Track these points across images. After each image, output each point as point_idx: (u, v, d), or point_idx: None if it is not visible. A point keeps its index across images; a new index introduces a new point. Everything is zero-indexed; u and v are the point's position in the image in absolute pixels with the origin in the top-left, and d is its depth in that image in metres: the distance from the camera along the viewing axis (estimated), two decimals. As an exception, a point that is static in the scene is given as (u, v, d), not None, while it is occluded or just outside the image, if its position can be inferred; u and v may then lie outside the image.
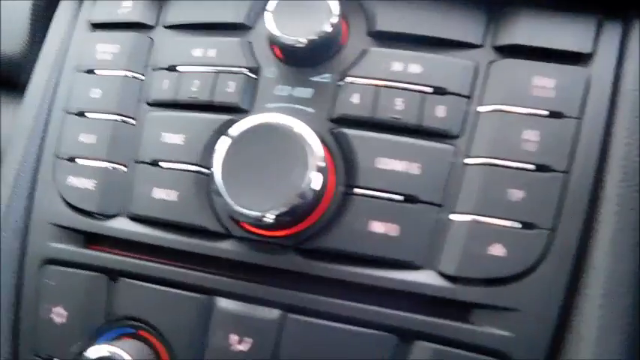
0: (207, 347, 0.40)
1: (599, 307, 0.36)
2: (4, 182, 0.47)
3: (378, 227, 0.38)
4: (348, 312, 0.38)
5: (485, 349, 0.36)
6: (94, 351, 0.39)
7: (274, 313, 0.39)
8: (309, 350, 0.39)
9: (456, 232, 0.38)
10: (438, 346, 0.37)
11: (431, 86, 0.40)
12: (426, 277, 0.38)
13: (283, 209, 0.37)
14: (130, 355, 0.39)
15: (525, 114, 0.38)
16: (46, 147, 0.47)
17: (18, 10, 0.57)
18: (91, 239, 0.45)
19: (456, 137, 0.39)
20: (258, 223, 0.38)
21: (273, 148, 0.38)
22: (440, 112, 0.40)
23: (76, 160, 0.45)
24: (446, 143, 0.39)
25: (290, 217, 0.38)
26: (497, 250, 0.37)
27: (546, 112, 0.38)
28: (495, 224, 0.37)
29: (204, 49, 0.44)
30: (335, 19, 0.40)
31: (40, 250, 0.45)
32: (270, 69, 0.43)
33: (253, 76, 0.43)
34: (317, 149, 0.38)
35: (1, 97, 0.63)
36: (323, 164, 0.38)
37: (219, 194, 0.38)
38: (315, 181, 0.37)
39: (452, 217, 0.38)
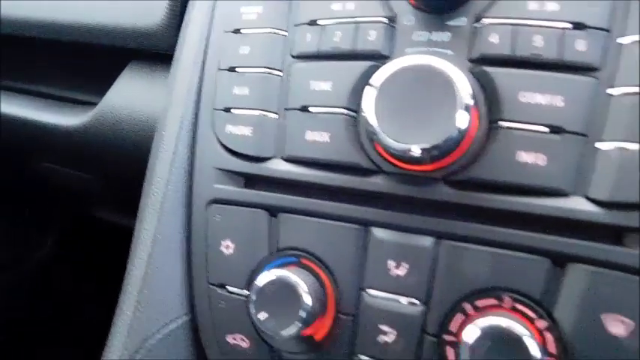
0: (366, 272, 0.40)
1: None
2: (168, 136, 0.48)
3: (525, 157, 0.37)
4: (500, 237, 0.37)
5: (644, 271, 0.34)
6: (264, 277, 0.40)
7: (428, 240, 0.39)
8: (464, 274, 0.38)
9: (603, 159, 0.35)
10: (594, 268, 0.35)
11: (569, 22, 0.37)
12: (576, 203, 0.36)
13: (436, 143, 0.36)
14: (301, 279, 0.39)
15: (670, 44, 0.35)
16: (202, 101, 0.48)
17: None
18: (249, 180, 0.45)
19: (597, 70, 0.37)
20: (409, 156, 0.37)
21: (421, 88, 0.37)
22: (580, 46, 0.37)
23: (232, 110, 0.45)
24: (588, 76, 0.37)
25: (440, 151, 0.37)
26: (649, 174, 0.34)
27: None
28: (645, 150, 0.34)
29: (342, 2, 0.43)
30: None
31: (205, 192, 0.46)
32: (407, 17, 0.41)
33: (392, 24, 0.42)
34: (464, 87, 0.36)
35: (142, 68, 0.64)
36: (471, 101, 0.36)
37: (372, 131, 0.38)
38: (463, 117, 0.36)
39: (598, 145, 0.36)
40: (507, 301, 0.36)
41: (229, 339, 0.44)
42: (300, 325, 0.39)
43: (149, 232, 0.47)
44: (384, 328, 0.39)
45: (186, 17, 0.53)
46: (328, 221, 0.41)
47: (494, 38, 0.39)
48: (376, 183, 0.40)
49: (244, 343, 0.44)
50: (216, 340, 0.45)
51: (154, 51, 0.60)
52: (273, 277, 0.40)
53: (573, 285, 0.35)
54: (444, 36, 0.40)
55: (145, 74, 0.64)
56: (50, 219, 1.05)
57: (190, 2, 0.53)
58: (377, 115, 0.38)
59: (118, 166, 0.66)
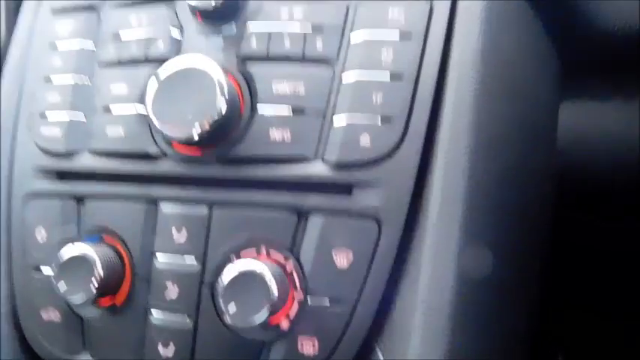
0: (155, 241, 0.46)
1: (444, 175, 0.42)
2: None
3: (276, 134, 0.44)
4: (259, 200, 0.44)
5: (362, 215, 0.42)
6: (65, 252, 0.45)
7: (203, 209, 0.45)
8: (231, 232, 0.44)
9: (335, 130, 0.43)
10: (327, 217, 0.42)
11: (312, 25, 0.45)
12: (315, 168, 0.43)
13: (203, 129, 0.42)
14: (95, 253, 0.44)
15: (383, 40, 0.44)
16: (21, 108, 0.52)
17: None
18: (62, 175, 0.50)
19: (332, 63, 0.45)
20: (182, 141, 0.44)
21: (189, 84, 0.43)
22: (319, 44, 0.45)
23: (46, 114, 0.50)
24: (325, 67, 0.45)
25: (208, 134, 0.43)
26: (365, 140, 0.42)
27: (397, 38, 0.43)
28: (362, 122, 0.43)
29: (137, 16, 0.50)
30: None
31: (23, 188, 0.50)
32: (191, 27, 0.48)
33: (178, 36, 0.48)
34: (222, 81, 0.43)
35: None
36: (227, 94, 0.43)
37: (151, 122, 0.44)
38: (222, 106, 0.43)
39: (332, 119, 0.44)
40: (264, 250, 0.43)
41: (44, 315, 0.48)
42: (95, 292, 0.43)
43: (-29, 228, 0.50)
44: (170, 285, 0.45)
45: (13, 34, 0.57)
46: (125, 202, 0.47)
47: (254, 42, 0.46)
48: (162, 166, 0.46)
49: (56, 317, 0.48)
50: (32, 318, 0.48)
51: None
52: (73, 254, 0.44)
53: (313, 232, 0.42)
54: (219, 42, 0.48)
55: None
56: None
57: (18, 21, 0.58)
58: (154, 109, 0.44)
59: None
